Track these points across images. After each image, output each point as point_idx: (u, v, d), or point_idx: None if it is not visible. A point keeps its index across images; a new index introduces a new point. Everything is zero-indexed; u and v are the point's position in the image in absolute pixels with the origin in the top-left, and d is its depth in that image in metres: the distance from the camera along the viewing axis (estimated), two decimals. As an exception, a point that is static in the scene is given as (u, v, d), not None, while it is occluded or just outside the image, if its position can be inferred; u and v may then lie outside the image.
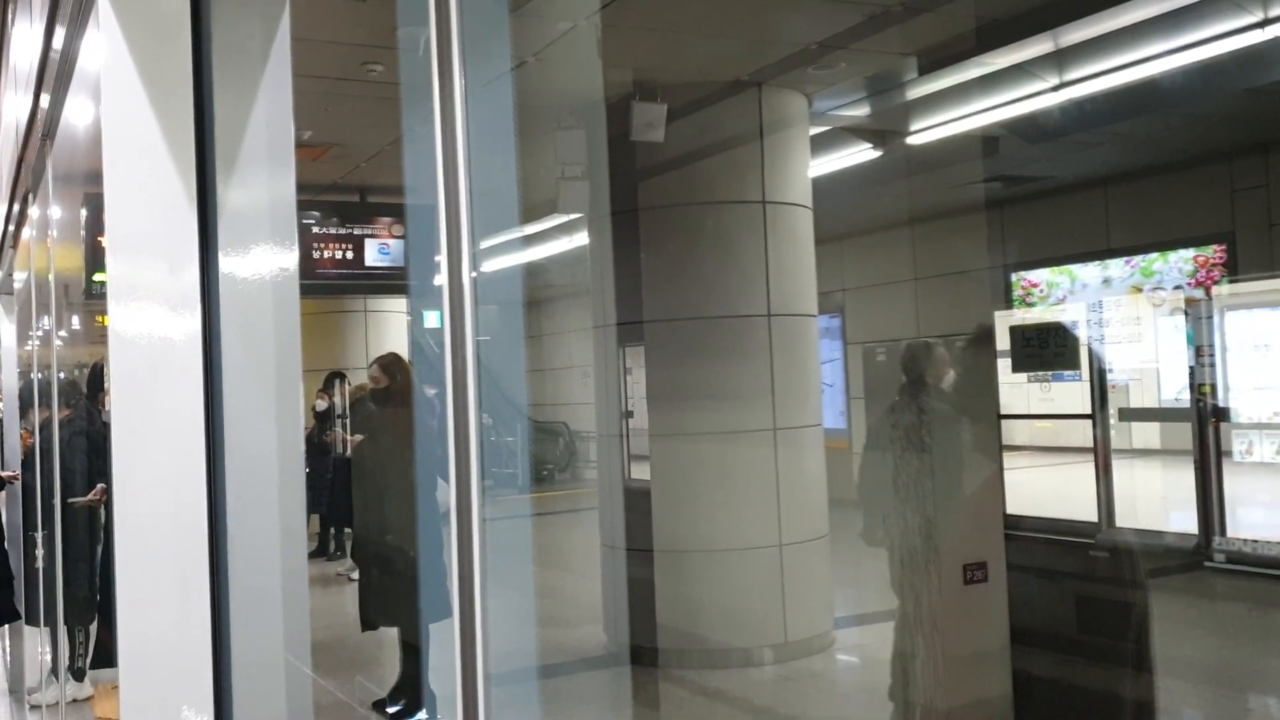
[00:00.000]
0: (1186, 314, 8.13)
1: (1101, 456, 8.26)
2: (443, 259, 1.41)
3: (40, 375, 6.59)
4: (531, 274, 12.79)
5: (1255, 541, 7.49)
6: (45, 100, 4.06)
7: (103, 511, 5.24)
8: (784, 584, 6.50)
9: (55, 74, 3.72)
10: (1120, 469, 8.66)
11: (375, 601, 5.78)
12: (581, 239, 8.59)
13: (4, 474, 7.16)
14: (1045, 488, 11.05)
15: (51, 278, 5.28)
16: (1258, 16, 5.91)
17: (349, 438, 9.21)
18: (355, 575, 9.30)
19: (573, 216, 8.12)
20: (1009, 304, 10.13)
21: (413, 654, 5.66)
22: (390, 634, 5.96)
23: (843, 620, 6.94)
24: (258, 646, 2.35)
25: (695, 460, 6.58)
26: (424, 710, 5.60)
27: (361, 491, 6.10)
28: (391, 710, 5.70)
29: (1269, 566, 7.30)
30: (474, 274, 1.40)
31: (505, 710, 1.45)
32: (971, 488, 4.60)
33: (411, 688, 5.68)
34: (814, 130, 7.33)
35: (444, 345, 1.41)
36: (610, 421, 7.08)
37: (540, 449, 15.80)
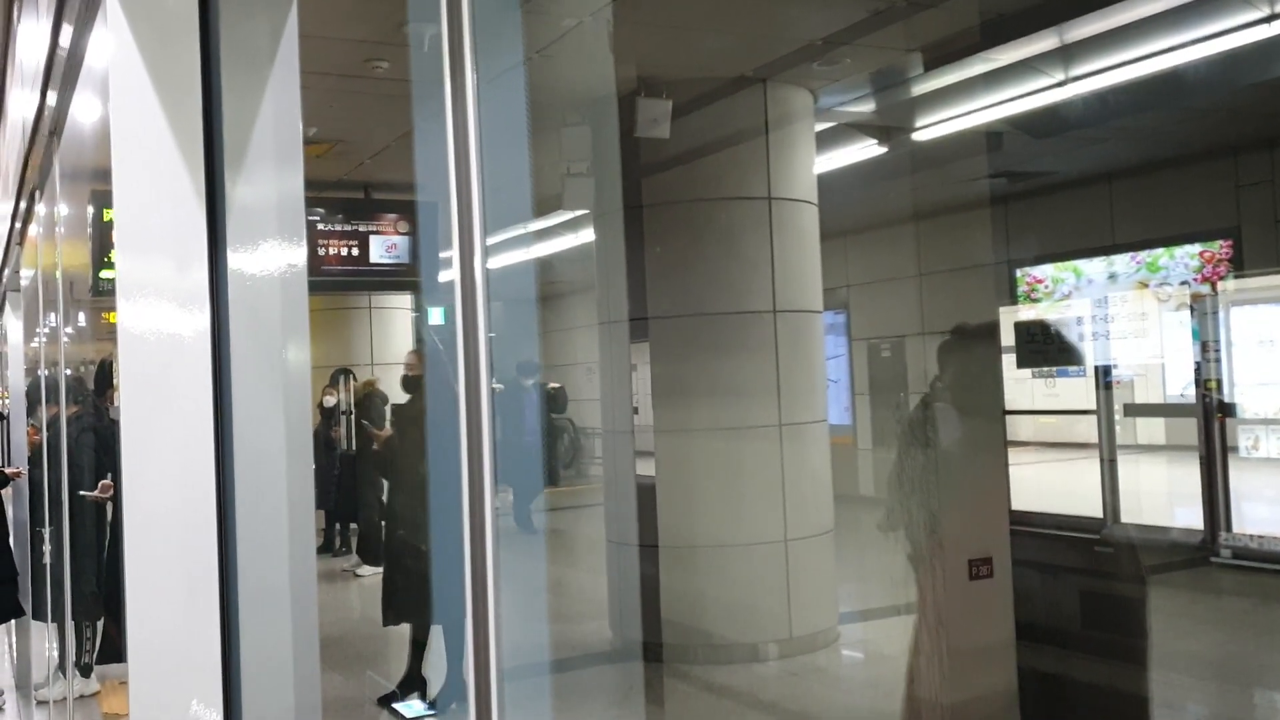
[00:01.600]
0: (1192, 309, 8.12)
1: (1106, 452, 8.26)
2: (455, 255, 1.42)
3: (47, 372, 6.61)
4: (541, 270, 12.80)
5: (1261, 537, 7.49)
6: (52, 98, 4.07)
7: (110, 507, 5.26)
8: (789, 579, 6.51)
9: (62, 71, 3.72)
10: (1125, 464, 8.67)
11: (399, 597, 5.79)
12: (586, 235, 8.60)
13: (8, 470, 7.17)
14: (1050, 483, 11.05)
15: (59, 275, 5.29)
16: (1264, 12, 5.90)
17: (376, 431, 9.25)
18: (361, 571, 9.33)
19: (578, 213, 8.12)
20: (1014, 299, 10.12)
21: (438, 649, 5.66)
22: (398, 630, 5.98)
23: (847, 615, 6.94)
24: (267, 641, 2.36)
25: (700, 456, 6.59)
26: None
27: (394, 484, 6.11)
28: (397, 705, 5.72)
29: (1275, 562, 7.30)
30: (486, 269, 1.40)
31: (514, 705, 1.45)
32: (976, 483, 4.60)
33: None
34: (819, 126, 7.33)
35: (455, 341, 1.41)
36: (616, 418, 7.08)
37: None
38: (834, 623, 6.77)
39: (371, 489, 9.49)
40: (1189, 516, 8.17)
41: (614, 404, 7.14)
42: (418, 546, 5.60)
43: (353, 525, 10.09)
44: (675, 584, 6.56)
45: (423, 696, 5.71)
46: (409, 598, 5.68)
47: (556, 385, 11.61)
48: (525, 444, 11.12)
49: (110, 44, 2.36)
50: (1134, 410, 10.73)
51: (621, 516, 7.02)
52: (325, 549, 10.15)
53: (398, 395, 7.46)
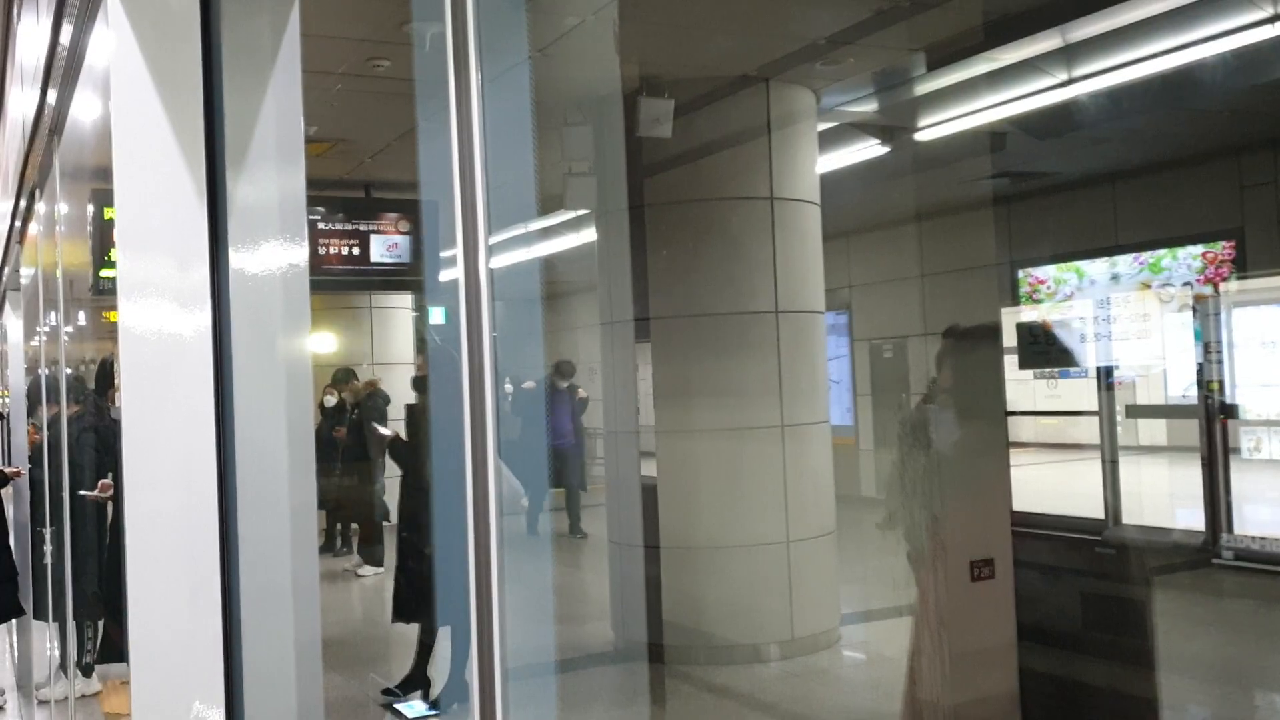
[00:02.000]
0: (1194, 310, 8.11)
1: (1107, 453, 8.25)
2: (459, 254, 1.41)
3: (48, 371, 6.60)
4: (544, 269, 12.80)
5: (1263, 539, 7.48)
6: (52, 96, 4.06)
7: (110, 507, 5.25)
8: (791, 580, 6.50)
9: (63, 69, 3.71)
10: (1127, 466, 8.66)
11: (404, 595, 5.83)
12: (588, 235, 8.59)
13: (8, 470, 7.16)
14: (1052, 485, 11.04)
15: (59, 274, 5.29)
16: (1267, 12, 5.89)
17: (382, 431, 9.28)
18: (362, 571, 9.33)
19: (580, 212, 8.11)
20: (1016, 300, 10.12)
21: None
22: (401, 630, 5.99)
23: (849, 617, 6.94)
24: (269, 641, 2.35)
25: (702, 457, 6.58)
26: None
27: (404, 484, 6.15)
28: (399, 705, 5.71)
29: (1276, 563, 7.29)
30: (490, 268, 1.39)
31: (518, 706, 1.45)
32: (978, 485, 4.59)
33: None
34: (822, 126, 7.32)
35: (459, 341, 1.41)
36: (618, 418, 7.07)
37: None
38: (836, 624, 6.76)
39: (373, 489, 9.49)
40: (1190, 518, 8.16)
41: (617, 404, 7.12)
42: (422, 547, 5.62)
43: (354, 525, 10.09)
44: (677, 585, 6.55)
45: (425, 697, 5.71)
46: (417, 597, 5.71)
47: (584, 395, 11.68)
48: (578, 447, 11.18)
49: (111, 42, 2.35)
50: (1136, 411, 10.73)
51: (624, 517, 7.01)
52: (326, 549, 10.15)
53: (401, 396, 7.47)
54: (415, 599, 5.70)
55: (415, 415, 6.20)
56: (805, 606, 6.55)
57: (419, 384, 6.13)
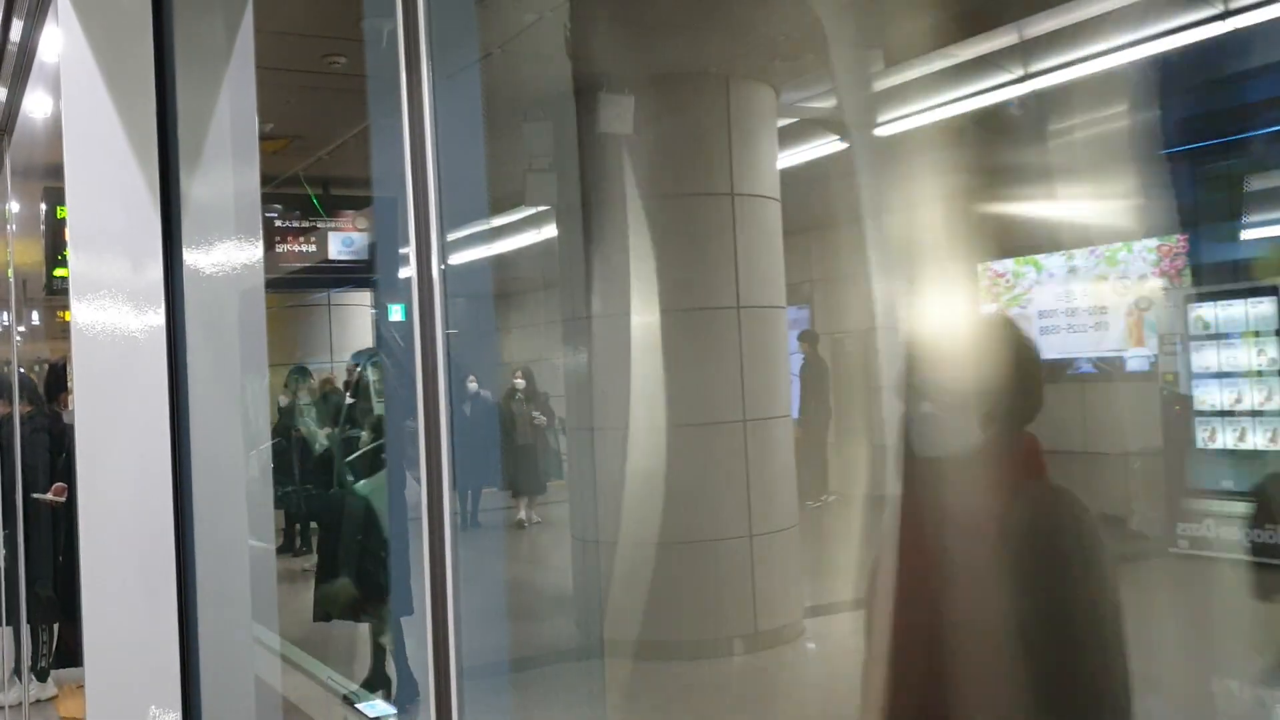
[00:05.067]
0: (1150, 303, 8.22)
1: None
2: (411, 252, 1.40)
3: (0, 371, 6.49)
4: (499, 267, 12.75)
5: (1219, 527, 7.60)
6: (2, 93, 4.00)
7: (64, 510, 5.18)
8: (754, 574, 6.52)
9: (13, 67, 3.66)
10: (1085, 457, 8.74)
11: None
12: (549, 232, 8.57)
13: None
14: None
15: (10, 273, 5.21)
16: (1218, 9, 5.97)
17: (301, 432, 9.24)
18: (324, 571, 9.25)
19: (540, 209, 8.09)
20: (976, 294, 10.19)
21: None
22: (357, 629, 5.97)
23: (812, 610, 6.96)
24: (226, 644, 2.34)
25: (665, 452, 6.58)
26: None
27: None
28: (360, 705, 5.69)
29: (1231, 551, 7.40)
30: (443, 266, 1.38)
31: (476, 704, 1.44)
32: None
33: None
34: (782, 122, 7.33)
35: (411, 339, 1.40)
36: (579, 414, 7.06)
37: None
38: (799, 617, 6.79)
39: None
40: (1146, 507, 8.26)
41: (577, 401, 7.12)
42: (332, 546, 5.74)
43: (313, 525, 9.99)
44: (640, 580, 6.55)
45: (387, 696, 5.68)
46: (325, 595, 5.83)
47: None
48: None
49: (61, 40, 2.32)
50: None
51: (587, 512, 7.01)
52: (285, 549, 10.06)
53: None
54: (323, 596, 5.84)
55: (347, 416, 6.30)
56: (768, 600, 6.57)
57: (349, 387, 6.24)
